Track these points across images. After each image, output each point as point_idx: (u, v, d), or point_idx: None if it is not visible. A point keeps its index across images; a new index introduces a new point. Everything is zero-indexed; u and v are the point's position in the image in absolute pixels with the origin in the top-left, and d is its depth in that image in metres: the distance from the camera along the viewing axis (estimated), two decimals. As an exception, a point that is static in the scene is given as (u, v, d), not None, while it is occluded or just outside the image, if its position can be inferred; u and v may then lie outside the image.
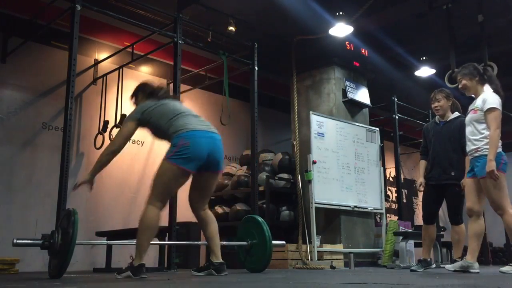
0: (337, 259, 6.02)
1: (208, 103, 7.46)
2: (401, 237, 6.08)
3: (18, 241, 2.99)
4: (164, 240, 4.85)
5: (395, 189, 9.34)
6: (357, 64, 7.24)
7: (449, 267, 4.12)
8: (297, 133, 6.93)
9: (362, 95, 7.29)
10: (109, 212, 6.08)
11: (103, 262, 5.11)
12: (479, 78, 4.03)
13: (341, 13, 6.31)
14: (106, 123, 5.98)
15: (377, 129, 7.28)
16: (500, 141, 3.80)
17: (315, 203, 6.00)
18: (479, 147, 3.87)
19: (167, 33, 5.17)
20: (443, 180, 4.53)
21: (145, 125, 3.30)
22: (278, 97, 8.43)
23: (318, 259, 5.77)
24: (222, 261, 3.35)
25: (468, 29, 6.94)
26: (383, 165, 8.29)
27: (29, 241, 3.24)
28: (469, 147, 3.97)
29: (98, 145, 5.91)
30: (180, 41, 5.02)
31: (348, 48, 7.06)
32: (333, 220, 6.53)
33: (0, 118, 5.48)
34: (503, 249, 10.78)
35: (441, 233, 6.87)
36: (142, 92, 3.49)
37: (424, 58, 7.80)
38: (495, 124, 3.76)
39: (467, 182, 4.07)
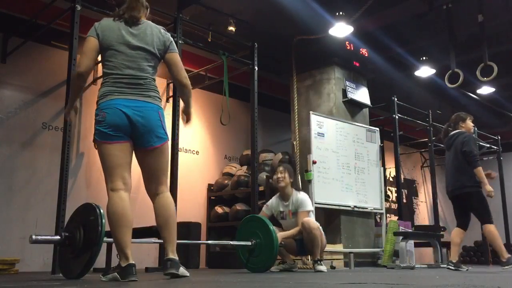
0: (337, 259, 6.02)
1: (208, 103, 7.47)
2: (401, 237, 6.09)
3: (36, 237, 2.79)
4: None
5: (395, 189, 9.35)
6: (357, 64, 7.24)
7: (322, 268, 4.47)
8: (297, 133, 6.93)
9: (362, 95, 7.29)
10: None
11: (103, 262, 5.11)
12: (293, 179, 4.76)
13: (341, 13, 6.31)
14: (106, 123, 5.97)
15: (377, 129, 7.28)
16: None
17: (315, 203, 5.99)
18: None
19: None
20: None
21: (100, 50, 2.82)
22: (278, 97, 8.43)
23: (318, 259, 5.77)
24: (172, 257, 2.74)
25: (468, 29, 6.95)
26: (383, 165, 8.29)
27: (48, 237, 3.11)
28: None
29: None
30: (180, 41, 5.03)
31: (348, 48, 7.07)
32: (333, 220, 6.54)
33: (0, 118, 5.48)
34: (503, 249, 10.77)
35: (441, 233, 6.87)
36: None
37: (424, 58, 7.81)
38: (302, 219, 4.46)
39: None
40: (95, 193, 5.98)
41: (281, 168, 4.69)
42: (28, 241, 2.83)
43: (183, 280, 2.72)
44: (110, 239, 2.91)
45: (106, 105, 2.71)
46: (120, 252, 2.66)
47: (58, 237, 2.96)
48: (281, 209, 4.69)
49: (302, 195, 4.63)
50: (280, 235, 4.31)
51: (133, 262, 2.62)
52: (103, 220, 2.81)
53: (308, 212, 4.54)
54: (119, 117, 2.69)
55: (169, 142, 2.99)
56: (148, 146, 2.81)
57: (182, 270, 2.76)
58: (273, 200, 4.79)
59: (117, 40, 2.80)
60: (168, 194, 2.90)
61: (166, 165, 2.95)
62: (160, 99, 2.93)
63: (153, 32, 2.90)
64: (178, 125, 4.88)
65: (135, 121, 2.72)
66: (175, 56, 2.99)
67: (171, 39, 2.99)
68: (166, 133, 2.91)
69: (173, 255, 2.76)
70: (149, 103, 2.80)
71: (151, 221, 5.93)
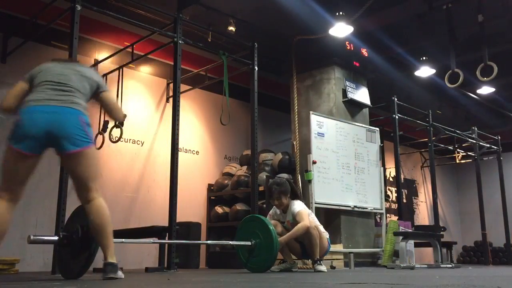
0: (337, 259, 6.02)
1: (208, 103, 7.47)
2: (401, 237, 6.08)
3: (34, 238, 2.82)
4: (164, 240, 4.84)
5: (395, 189, 9.35)
6: (357, 64, 7.24)
7: (322, 268, 4.43)
8: (297, 133, 6.93)
9: (362, 95, 7.29)
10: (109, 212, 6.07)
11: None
12: (290, 194, 4.63)
13: (341, 13, 6.31)
14: (106, 123, 5.97)
15: (377, 129, 7.28)
16: None
17: (315, 203, 6.00)
18: None
19: (167, 33, 5.17)
20: None
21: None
22: (278, 97, 8.44)
23: (318, 259, 5.77)
24: (112, 261, 2.75)
25: (468, 29, 6.94)
26: (383, 165, 8.28)
27: (46, 238, 3.10)
28: None
29: (98, 145, 5.91)
30: (180, 41, 5.02)
31: (348, 48, 7.07)
32: (333, 220, 6.54)
33: (0, 118, 5.47)
34: (503, 249, 10.79)
35: (441, 233, 6.87)
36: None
37: (424, 58, 7.80)
38: (305, 219, 4.42)
39: None
40: (95, 193, 5.98)
41: (276, 195, 4.61)
42: (27, 241, 2.84)
43: (183, 280, 2.73)
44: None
45: (24, 111, 2.79)
46: None
47: (56, 237, 2.96)
48: (282, 220, 4.71)
49: (296, 206, 4.55)
50: (279, 241, 4.28)
51: None
52: None
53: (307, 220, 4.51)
54: (32, 125, 2.69)
55: (93, 147, 2.89)
56: (63, 150, 2.75)
57: (120, 273, 2.80)
58: (275, 210, 4.80)
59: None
60: (99, 200, 2.84)
61: (92, 171, 2.85)
62: (85, 108, 2.91)
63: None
64: (178, 125, 4.87)
65: (52, 129, 2.69)
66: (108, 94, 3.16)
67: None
68: (89, 137, 2.83)
69: (111, 259, 2.76)
70: (67, 108, 2.79)
71: (151, 221, 5.95)
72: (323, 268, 4.43)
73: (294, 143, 6.92)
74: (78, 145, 2.74)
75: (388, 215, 8.71)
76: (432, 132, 8.56)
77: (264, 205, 6.28)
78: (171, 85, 6.40)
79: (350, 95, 7.04)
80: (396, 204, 9.49)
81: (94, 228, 2.80)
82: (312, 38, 7.02)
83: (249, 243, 4.19)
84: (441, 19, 6.61)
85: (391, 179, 10.59)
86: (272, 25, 6.89)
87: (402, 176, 10.17)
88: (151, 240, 4.95)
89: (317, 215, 6.05)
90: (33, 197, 5.50)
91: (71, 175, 2.86)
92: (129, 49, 5.86)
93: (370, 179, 6.89)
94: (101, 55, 6.35)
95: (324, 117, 6.54)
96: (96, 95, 3.03)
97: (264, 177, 6.49)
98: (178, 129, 4.84)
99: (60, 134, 2.69)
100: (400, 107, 7.84)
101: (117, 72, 6.17)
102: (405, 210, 8.83)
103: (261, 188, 6.25)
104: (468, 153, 10.51)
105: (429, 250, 8.08)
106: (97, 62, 6.27)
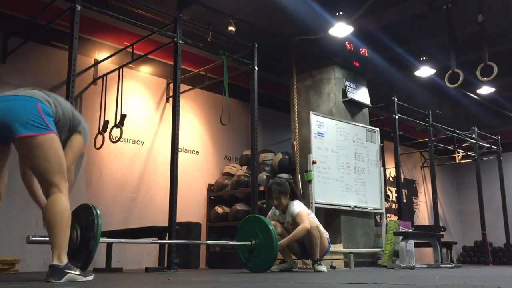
0: (337, 259, 6.02)
1: (208, 103, 7.47)
2: (401, 237, 6.08)
3: (33, 238, 2.77)
4: (164, 240, 4.84)
5: (395, 189, 9.35)
6: (357, 64, 7.24)
7: (322, 268, 4.45)
8: (297, 133, 6.94)
9: (362, 95, 7.30)
10: (109, 212, 6.08)
11: (103, 261, 5.11)
12: (290, 194, 4.63)
13: (341, 13, 6.31)
14: (106, 123, 5.99)
15: (377, 129, 7.28)
16: None
17: (315, 203, 6.00)
18: None
19: (167, 33, 5.18)
20: None
21: None
22: (278, 97, 8.44)
23: (318, 259, 5.77)
24: (56, 263, 2.42)
25: (468, 29, 6.95)
26: (383, 165, 8.28)
27: (45, 238, 3.10)
28: None
29: (98, 145, 5.92)
30: (180, 41, 5.02)
31: (348, 48, 7.07)
32: (333, 220, 6.54)
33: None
34: (503, 249, 10.79)
35: (441, 233, 6.87)
36: None
37: (424, 58, 7.80)
38: (306, 220, 4.42)
39: None
40: (94, 193, 5.99)
41: (275, 195, 4.61)
42: (26, 241, 2.84)
43: (183, 280, 2.73)
44: (109, 239, 2.91)
45: None
46: None
47: None
48: (282, 221, 4.71)
49: (295, 207, 4.55)
50: (280, 244, 4.28)
51: None
52: (100, 220, 2.82)
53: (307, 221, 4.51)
54: None
55: (54, 135, 2.59)
56: (13, 137, 2.52)
57: (72, 276, 2.44)
58: (274, 211, 4.80)
59: None
60: (56, 196, 2.54)
61: (52, 163, 2.55)
62: (48, 103, 2.65)
63: None
64: (178, 125, 4.87)
65: (1, 116, 2.49)
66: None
67: None
68: (47, 125, 2.55)
69: (56, 260, 2.44)
70: (18, 96, 2.57)
71: (151, 221, 5.95)
72: (323, 268, 4.43)
73: (294, 143, 6.93)
74: (32, 130, 2.48)
75: (388, 215, 8.71)
76: (432, 132, 8.56)
77: (264, 205, 6.28)
78: (171, 85, 6.41)
79: (350, 95, 7.04)
80: (396, 204, 9.49)
81: (46, 225, 2.55)
82: (312, 38, 7.02)
83: (249, 243, 4.20)
84: (441, 19, 6.61)
85: (391, 179, 10.59)
86: (272, 25, 6.89)
87: (402, 176, 10.17)
88: (151, 240, 4.95)
89: (317, 215, 6.04)
90: (33, 197, 5.50)
91: (29, 167, 2.62)
92: (129, 49, 5.87)
93: (370, 179, 6.89)
94: (101, 55, 6.35)
95: (324, 117, 6.54)
96: (73, 131, 2.80)
97: (264, 177, 6.50)
98: (178, 129, 4.84)
99: (12, 119, 2.48)
100: (400, 107, 7.84)
101: (117, 72, 6.17)
102: (405, 210, 8.83)
103: (261, 188, 6.25)
104: (468, 153, 10.51)
105: (429, 250, 8.08)
106: (97, 62, 6.27)
